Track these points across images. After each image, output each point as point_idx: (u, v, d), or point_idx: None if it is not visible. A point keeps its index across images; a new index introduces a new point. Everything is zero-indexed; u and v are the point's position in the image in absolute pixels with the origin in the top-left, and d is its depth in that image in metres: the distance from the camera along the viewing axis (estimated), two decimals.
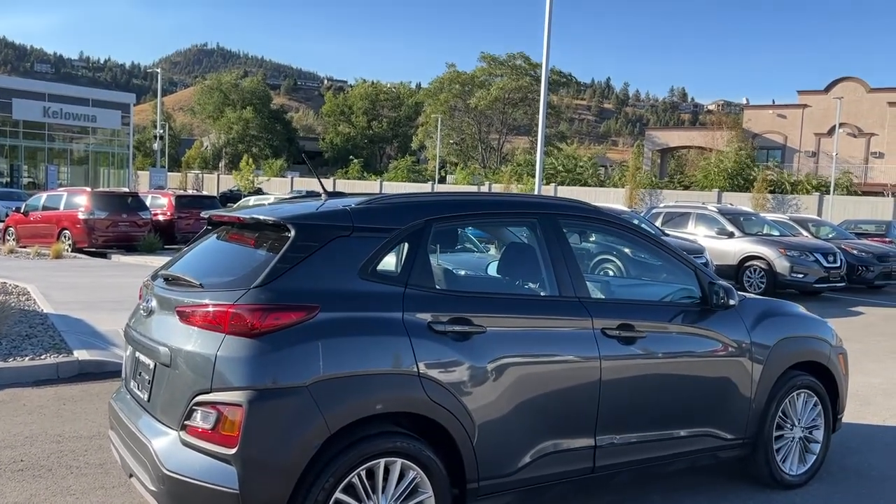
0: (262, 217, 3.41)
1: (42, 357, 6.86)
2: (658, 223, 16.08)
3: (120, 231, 19.23)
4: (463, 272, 4.30)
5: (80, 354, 7.00)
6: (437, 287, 3.39)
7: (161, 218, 21.13)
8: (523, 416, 3.42)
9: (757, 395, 4.27)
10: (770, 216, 18.66)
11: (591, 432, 3.67)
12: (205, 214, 3.86)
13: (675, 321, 4.02)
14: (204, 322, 3.00)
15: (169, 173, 58.53)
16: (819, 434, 4.68)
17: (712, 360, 4.10)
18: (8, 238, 19.94)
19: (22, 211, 20.65)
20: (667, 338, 3.96)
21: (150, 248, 18.72)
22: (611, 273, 5.72)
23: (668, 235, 14.39)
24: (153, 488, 3.02)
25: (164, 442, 3.03)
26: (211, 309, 3.00)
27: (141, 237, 19.09)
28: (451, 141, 62.51)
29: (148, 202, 21.25)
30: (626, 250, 5.90)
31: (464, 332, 3.28)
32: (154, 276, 3.67)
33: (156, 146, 42.66)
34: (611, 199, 36.92)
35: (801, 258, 14.25)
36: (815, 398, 4.62)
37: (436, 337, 3.20)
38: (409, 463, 3.10)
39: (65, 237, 18.81)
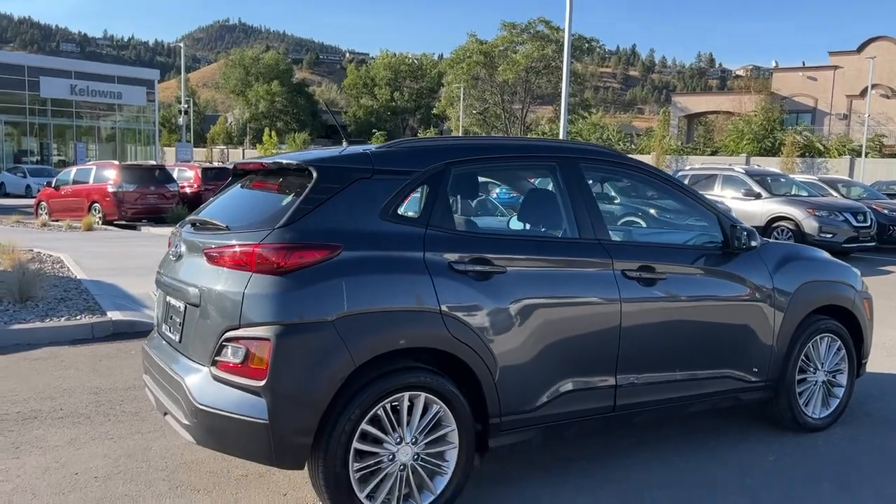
0: (285, 161, 3.48)
1: (77, 318, 7.06)
2: None
3: (148, 203, 19.49)
4: (483, 215, 4.35)
5: (114, 315, 7.19)
6: (458, 228, 3.44)
7: (188, 190, 21.38)
8: (544, 354, 3.48)
9: (779, 338, 4.29)
10: (799, 177, 18.41)
11: (612, 372, 3.72)
12: (229, 164, 3.94)
13: (696, 264, 4.04)
14: (231, 262, 3.09)
15: (194, 149, 59.05)
16: (843, 378, 4.69)
17: (733, 303, 4.12)
18: (41, 212, 20.33)
19: (53, 185, 21.00)
20: (688, 280, 3.98)
21: (178, 219, 18.87)
22: (638, 224, 5.70)
23: None
24: (187, 422, 3.13)
25: (197, 378, 3.14)
26: (238, 249, 3.08)
27: (169, 209, 19.33)
28: (474, 111, 62.12)
29: (175, 175, 21.50)
30: (651, 208, 5.90)
31: (484, 271, 3.34)
32: (182, 224, 3.77)
33: (180, 121, 43.00)
34: None
35: (829, 218, 14.07)
36: (839, 342, 4.63)
37: (457, 276, 3.26)
38: (432, 397, 3.18)
39: (95, 210, 19.12)
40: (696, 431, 4.51)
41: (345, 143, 3.83)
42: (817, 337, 4.52)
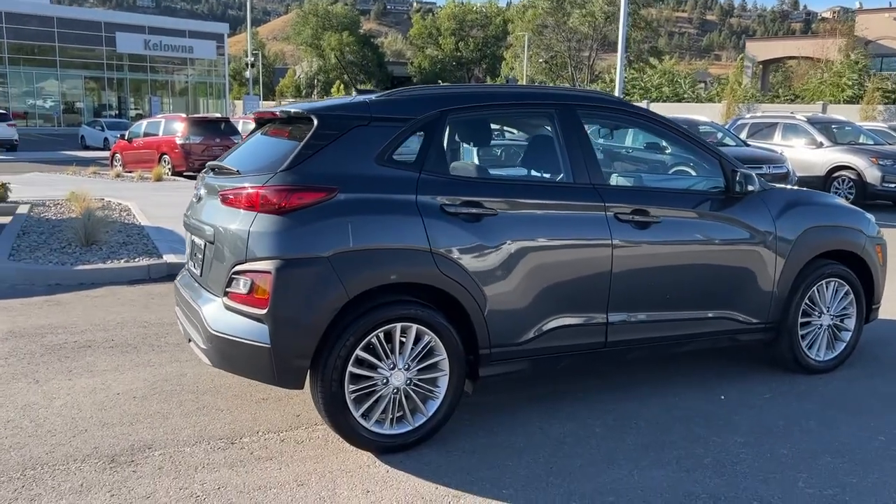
0: (293, 111, 3.76)
1: (136, 260, 7.62)
2: (743, 135, 15.59)
3: (214, 154, 20.10)
4: (479, 161, 4.54)
5: (169, 258, 7.72)
6: (452, 173, 3.66)
7: None
8: (534, 292, 3.69)
9: (780, 282, 4.38)
10: (867, 125, 17.69)
11: (603, 309, 3.91)
12: (250, 112, 4.23)
13: (694, 208, 4.15)
14: (240, 203, 3.40)
15: (263, 102, 60.21)
16: (850, 322, 4.74)
17: (731, 247, 4.22)
18: (115, 164, 21.37)
19: (126, 138, 21.98)
20: (684, 223, 4.10)
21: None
22: (646, 170, 5.77)
23: (748, 146, 13.99)
24: (204, 346, 3.51)
25: (212, 308, 3.50)
26: (245, 191, 3.39)
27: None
28: (541, 60, 61.11)
29: (240, 128, 22.15)
30: (661, 154, 5.95)
31: (475, 213, 3.56)
32: (206, 170, 4.11)
33: (247, 74, 43.83)
34: (705, 115, 35.59)
35: (894, 167, 13.57)
36: (847, 287, 4.67)
37: (448, 218, 3.50)
38: (423, 328, 3.45)
39: (165, 161, 19.96)
40: (699, 372, 4.68)
41: (353, 93, 4.07)
42: (823, 281, 4.58)
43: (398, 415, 3.48)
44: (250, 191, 3.36)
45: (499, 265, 3.60)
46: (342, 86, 50.17)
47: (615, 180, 4.77)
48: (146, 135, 21.25)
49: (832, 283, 4.63)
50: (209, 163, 4.11)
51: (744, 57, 52.86)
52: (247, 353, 3.31)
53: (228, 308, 3.40)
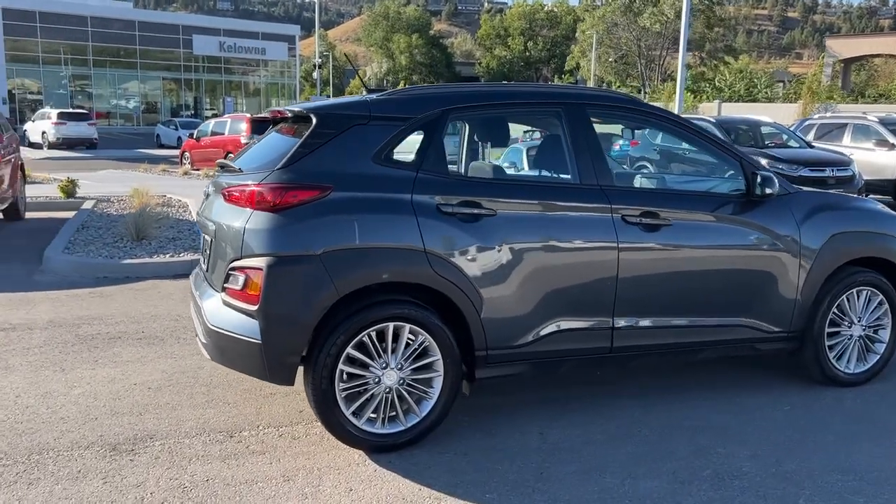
0: (297, 109, 3.80)
1: (181, 255, 7.87)
2: (810, 136, 15.01)
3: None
4: (480, 160, 4.49)
5: None
6: (451, 172, 3.63)
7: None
8: (534, 294, 3.63)
9: (804, 289, 4.18)
10: None
11: (609, 314, 3.81)
12: (267, 113, 4.31)
13: (710, 210, 4.01)
14: (238, 200, 3.46)
15: None
16: (885, 334, 4.50)
17: (750, 252, 4.06)
18: (184, 162, 22.11)
19: (194, 137, 22.72)
20: (698, 226, 3.96)
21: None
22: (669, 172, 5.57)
23: (812, 148, 13.45)
24: (204, 341, 3.59)
25: (212, 303, 3.57)
26: (243, 188, 3.45)
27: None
28: (610, 59, 60.21)
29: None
30: (685, 156, 5.76)
31: (473, 213, 3.52)
32: (217, 168, 4.19)
33: (315, 75, 44.71)
34: (780, 116, 34.36)
35: None
36: (881, 297, 4.43)
37: (444, 217, 3.47)
38: (417, 328, 3.44)
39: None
40: (716, 380, 4.52)
41: (364, 92, 4.09)
42: (853, 290, 4.35)
43: (391, 414, 3.48)
44: (247, 188, 3.42)
45: (497, 266, 3.56)
46: (406, 85, 50.33)
47: (638, 182, 4.66)
48: (213, 134, 21.89)
49: (864, 292, 4.39)
50: (218, 161, 4.19)
51: (824, 55, 50.81)
52: (240, 348, 3.36)
53: (225, 303, 3.46)
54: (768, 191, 4.02)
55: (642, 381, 4.46)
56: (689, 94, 42.28)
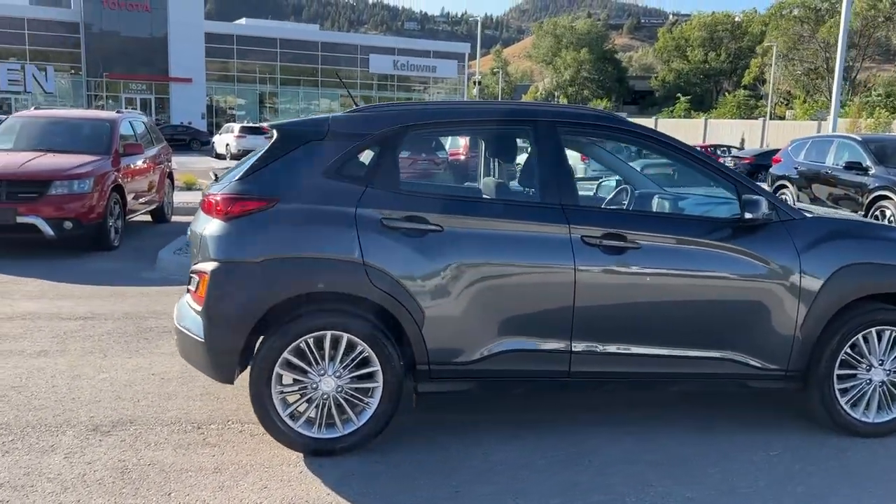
0: (268, 126, 4.03)
1: None
2: None
3: (419, 168, 21.38)
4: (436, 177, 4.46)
5: None
6: (401, 188, 3.70)
7: (461, 157, 22.95)
8: (480, 313, 3.60)
9: (805, 324, 3.80)
10: None
11: (565, 337, 3.69)
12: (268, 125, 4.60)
13: (688, 235, 3.76)
14: (204, 208, 3.75)
15: None
16: None
17: (735, 281, 3.76)
18: None
19: None
20: (674, 251, 3.74)
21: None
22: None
23: None
24: (175, 337, 3.90)
25: (181, 302, 3.89)
26: (207, 198, 3.73)
27: (437, 175, 21.01)
28: (798, 71, 56.25)
29: (447, 144, 23.17)
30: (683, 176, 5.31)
31: (417, 229, 3.57)
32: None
33: (475, 92, 45.59)
34: None
35: None
36: None
37: (386, 232, 3.55)
38: (355, 338, 3.54)
39: None
40: (704, 415, 4.21)
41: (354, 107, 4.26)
42: (873, 329, 3.89)
43: (328, 420, 3.60)
44: (210, 198, 3.70)
45: (440, 282, 3.58)
46: (567, 101, 49.95)
47: (656, 204, 4.47)
48: None
49: (886, 332, 3.91)
50: (212, 171, 4.53)
51: None
52: (191, 345, 3.64)
53: (188, 303, 3.76)
54: (748, 215, 3.71)
55: (625, 410, 4.25)
56: (882, 110, 38.56)
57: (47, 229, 8.62)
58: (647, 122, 50.30)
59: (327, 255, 3.52)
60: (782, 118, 53.09)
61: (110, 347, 5.31)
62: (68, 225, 8.78)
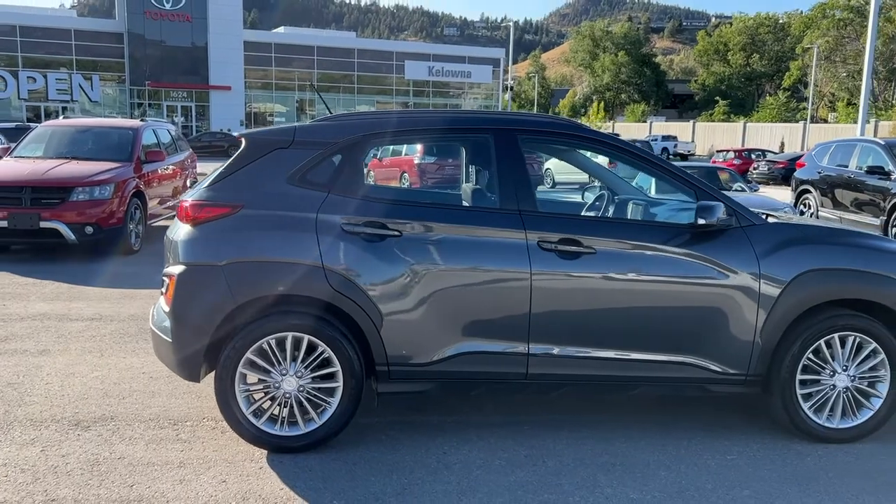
0: (237, 135, 4.18)
1: None
2: None
3: (446, 174, 21.54)
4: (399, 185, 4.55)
5: None
6: (361, 194, 3.82)
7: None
8: (438, 315, 3.70)
9: (765, 329, 3.82)
10: None
11: (523, 340, 3.77)
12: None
13: (645, 241, 3.81)
14: (178, 214, 3.93)
15: None
16: (882, 388, 3.95)
17: (691, 286, 3.79)
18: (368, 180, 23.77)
19: (378, 157, 24.29)
20: (629, 257, 3.79)
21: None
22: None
23: None
24: (151, 337, 4.08)
25: (155, 305, 4.07)
26: (180, 204, 3.91)
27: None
28: (842, 73, 55.04)
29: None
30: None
31: (376, 234, 3.69)
32: None
33: (507, 96, 45.61)
34: None
35: None
36: (875, 344, 3.90)
37: (346, 237, 3.68)
38: (316, 340, 3.67)
39: (404, 179, 21.74)
40: (669, 418, 4.24)
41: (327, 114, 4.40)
42: (835, 335, 3.88)
43: (290, 419, 3.74)
44: (181, 204, 3.87)
45: (399, 286, 3.69)
46: (601, 104, 49.53)
47: (631, 211, 4.53)
48: (394, 154, 23.30)
49: (850, 338, 3.90)
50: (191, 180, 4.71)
51: None
52: (161, 345, 3.81)
53: (159, 305, 3.93)
54: (701, 221, 3.74)
55: (592, 412, 4.30)
56: None
57: (69, 234, 8.96)
58: (685, 126, 49.72)
59: (288, 259, 3.66)
60: (825, 121, 52.00)
61: (109, 347, 5.53)
62: (89, 229, 9.13)
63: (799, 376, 3.90)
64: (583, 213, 4.12)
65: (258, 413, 3.73)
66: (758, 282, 3.81)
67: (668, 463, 3.70)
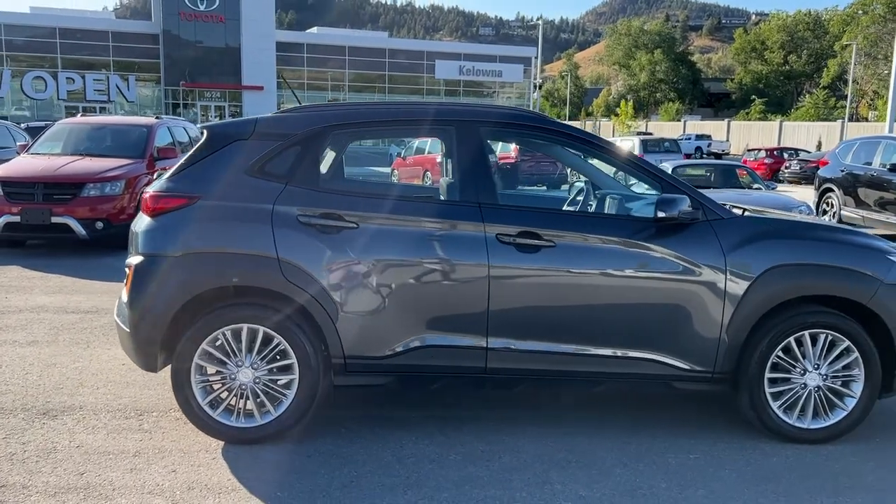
0: (202, 126, 4.19)
1: None
2: None
3: None
4: (361, 177, 4.51)
5: None
6: (320, 186, 3.80)
7: (512, 161, 22.94)
8: (395, 308, 3.67)
9: (732, 326, 3.72)
10: None
11: (481, 334, 3.72)
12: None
13: (608, 234, 3.73)
14: (141, 206, 3.95)
15: (570, 122, 61.62)
16: (856, 387, 3.82)
17: (655, 282, 3.70)
18: (393, 178, 23.81)
19: (402, 156, 24.37)
20: (590, 250, 3.71)
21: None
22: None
23: None
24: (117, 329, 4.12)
25: (120, 296, 4.10)
26: (143, 196, 3.93)
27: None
28: (885, 70, 53.64)
29: (498, 148, 23.18)
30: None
31: (333, 226, 3.67)
32: None
33: (535, 95, 45.39)
34: None
35: None
36: (848, 343, 3.77)
37: (301, 228, 3.66)
38: (271, 331, 3.66)
39: (427, 177, 21.74)
40: (645, 415, 4.15)
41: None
42: (806, 332, 3.76)
43: (247, 410, 3.74)
44: (143, 195, 3.89)
45: (354, 278, 3.66)
46: (630, 103, 48.74)
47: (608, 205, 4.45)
48: (417, 152, 23.32)
49: (822, 336, 3.77)
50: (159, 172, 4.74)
51: None
52: (122, 335, 3.84)
53: (121, 297, 3.96)
54: (661, 214, 3.65)
55: (565, 411, 4.23)
56: None
57: (79, 229, 9.12)
58: (720, 124, 48.91)
59: (243, 250, 3.65)
60: (866, 120, 50.73)
61: (96, 339, 5.60)
62: (99, 225, 9.28)
63: (768, 374, 3.79)
64: (545, 207, 4.04)
65: (214, 404, 3.74)
66: (724, 277, 3.71)
67: (626, 461, 3.62)
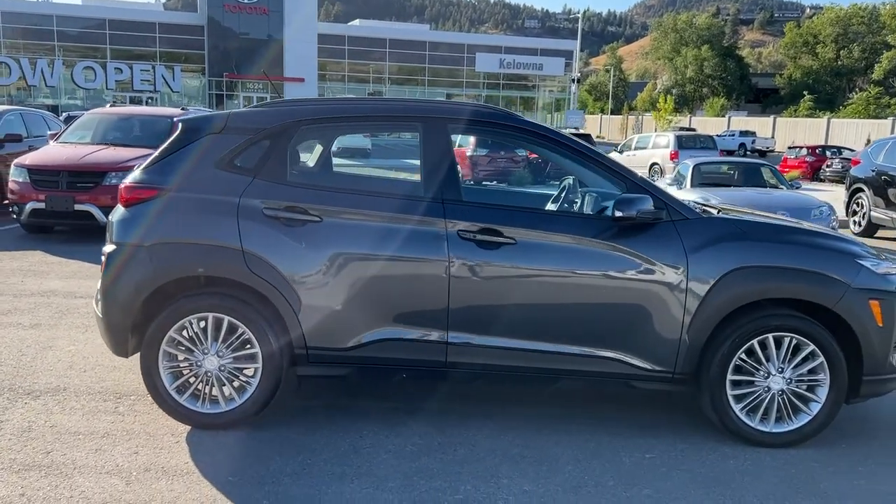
0: (177, 119, 4.29)
1: None
2: None
3: (498, 167, 21.49)
4: (330, 172, 4.56)
5: None
6: (287, 180, 3.88)
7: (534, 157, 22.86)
8: (356, 301, 3.74)
9: (692, 327, 3.70)
10: None
11: (442, 329, 3.76)
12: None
13: (568, 232, 3.74)
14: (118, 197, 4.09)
15: (613, 117, 61.00)
16: (822, 392, 3.76)
17: (613, 280, 3.69)
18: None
19: None
20: (549, 248, 3.72)
21: (519, 183, 20.57)
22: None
23: None
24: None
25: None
26: (119, 187, 4.06)
27: (515, 172, 21.05)
28: None
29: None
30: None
31: (297, 219, 3.75)
32: None
33: (573, 88, 44.94)
34: None
35: None
36: (813, 347, 3.71)
37: (266, 221, 3.75)
38: (235, 321, 3.76)
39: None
40: (611, 415, 4.15)
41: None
42: (770, 335, 3.72)
43: (212, 396, 3.84)
44: (119, 186, 4.02)
45: (316, 270, 3.74)
46: (669, 97, 47.75)
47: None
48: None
49: (786, 339, 3.73)
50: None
51: None
52: (97, 321, 3.98)
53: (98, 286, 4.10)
54: (618, 213, 3.64)
55: (532, 406, 4.25)
56: None
57: (101, 216, 9.37)
58: (765, 121, 47.86)
59: (209, 241, 3.75)
60: None
61: (95, 324, 5.77)
62: None
63: (730, 377, 3.75)
64: (508, 204, 4.04)
65: (182, 389, 3.85)
66: (685, 278, 3.69)
67: (580, 458, 3.64)
